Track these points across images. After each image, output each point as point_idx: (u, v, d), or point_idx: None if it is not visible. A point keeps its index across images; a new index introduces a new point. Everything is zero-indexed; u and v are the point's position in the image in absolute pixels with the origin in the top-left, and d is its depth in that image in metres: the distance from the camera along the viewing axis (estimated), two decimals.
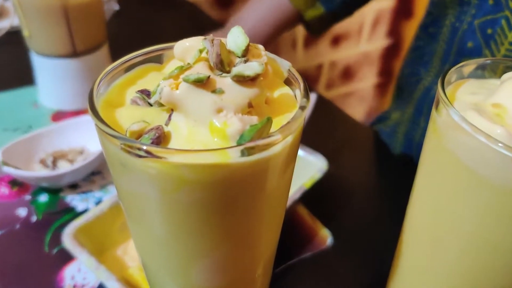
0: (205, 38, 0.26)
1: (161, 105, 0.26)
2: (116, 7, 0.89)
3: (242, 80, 0.25)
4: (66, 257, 0.51)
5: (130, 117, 0.26)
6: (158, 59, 0.31)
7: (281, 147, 0.24)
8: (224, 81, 0.25)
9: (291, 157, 0.26)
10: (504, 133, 0.24)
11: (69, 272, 0.51)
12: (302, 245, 0.58)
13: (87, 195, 0.60)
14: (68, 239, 0.50)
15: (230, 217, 0.26)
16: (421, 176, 0.31)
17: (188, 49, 0.27)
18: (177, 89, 0.24)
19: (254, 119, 0.24)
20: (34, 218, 0.56)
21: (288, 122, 0.24)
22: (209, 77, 0.24)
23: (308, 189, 0.58)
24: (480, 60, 0.31)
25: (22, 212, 0.57)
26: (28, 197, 0.59)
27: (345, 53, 1.53)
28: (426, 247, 0.32)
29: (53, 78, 0.72)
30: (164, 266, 0.29)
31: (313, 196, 0.60)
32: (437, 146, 0.28)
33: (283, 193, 0.29)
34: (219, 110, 0.24)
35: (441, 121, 0.27)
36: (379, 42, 1.66)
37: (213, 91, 0.24)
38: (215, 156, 0.23)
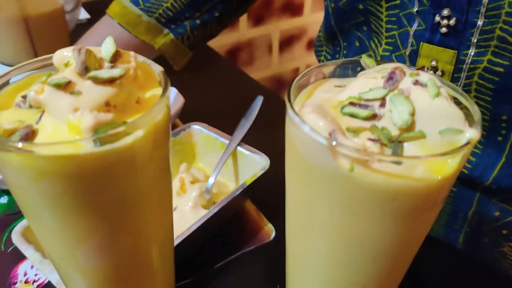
0: (74, 49, 0.30)
1: (37, 107, 0.30)
2: (82, 15, 0.93)
3: (100, 82, 0.28)
4: (20, 255, 0.54)
5: (9, 118, 0.30)
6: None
7: (132, 140, 0.28)
8: (84, 84, 0.28)
9: (151, 148, 0.30)
10: (326, 126, 0.27)
11: (22, 269, 0.55)
12: (247, 240, 0.62)
13: None
14: (16, 236, 0.54)
15: (98, 205, 0.29)
16: (286, 169, 0.34)
17: (64, 57, 0.31)
18: (42, 92, 0.28)
19: (109, 116, 0.28)
20: None
21: (137, 118, 0.28)
22: (69, 81, 0.28)
23: (249, 185, 0.61)
24: (339, 61, 0.34)
25: None
26: None
27: None
28: (298, 238, 0.35)
29: None
30: (56, 250, 0.33)
31: (260, 193, 0.64)
32: (287, 141, 0.32)
33: (155, 184, 0.32)
34: (76, 109, 0.28)
35: (287, 117, 0.30)
36: None
37: (72, 93, 0.28)
38: (68, 147, 0.26)
